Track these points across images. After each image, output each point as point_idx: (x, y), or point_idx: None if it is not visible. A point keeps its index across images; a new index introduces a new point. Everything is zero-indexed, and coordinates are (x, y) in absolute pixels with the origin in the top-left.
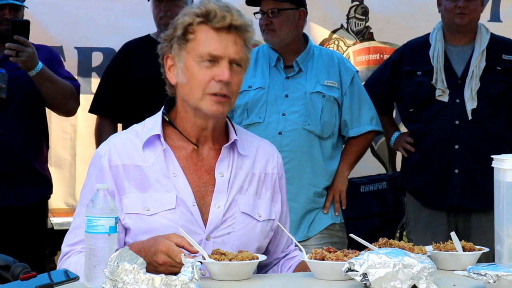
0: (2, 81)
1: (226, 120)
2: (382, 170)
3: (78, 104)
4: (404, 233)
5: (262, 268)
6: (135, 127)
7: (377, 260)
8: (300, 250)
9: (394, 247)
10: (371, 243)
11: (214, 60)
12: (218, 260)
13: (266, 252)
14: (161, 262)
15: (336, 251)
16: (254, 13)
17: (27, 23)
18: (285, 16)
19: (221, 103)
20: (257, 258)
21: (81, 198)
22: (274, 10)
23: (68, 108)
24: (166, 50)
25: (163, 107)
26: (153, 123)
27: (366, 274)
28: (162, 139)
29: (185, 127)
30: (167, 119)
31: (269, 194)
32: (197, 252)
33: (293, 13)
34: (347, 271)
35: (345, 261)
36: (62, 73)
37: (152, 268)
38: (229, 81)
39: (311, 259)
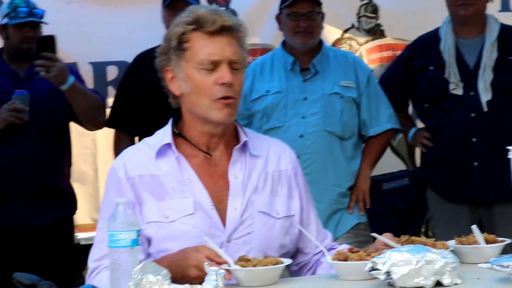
0: (25, 103)
1: (234, 123)
2: (402, 166)
3: (106, 116)
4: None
5: (303, 268)
6: (146, 139)
7: (399, 257)
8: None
9: (416, 243)
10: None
11: (213, 64)
12: (243, 267)
13: (298, 251)
14: (194, 276)
15: (359, 251)
16: (287, 15)
17: (52, 38)
18: (319, 19)
19: (229, 105)
20: (282, 262)
21: (102, 212)
22: (313, 12)
23: (99, 121)
24: (165, 64)
25: (171, 119)
26: (163, 134)
27: (389, 272)
28: (173, 147)
29: (193, 136)
30: (176, 131)
31: (286, 191)
32: (225, 263)
33: (321, 15)
34: (370, 271)
35: (367, 260)
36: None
37: (186, 282)
38: (231, 82)
39: (334, 260)
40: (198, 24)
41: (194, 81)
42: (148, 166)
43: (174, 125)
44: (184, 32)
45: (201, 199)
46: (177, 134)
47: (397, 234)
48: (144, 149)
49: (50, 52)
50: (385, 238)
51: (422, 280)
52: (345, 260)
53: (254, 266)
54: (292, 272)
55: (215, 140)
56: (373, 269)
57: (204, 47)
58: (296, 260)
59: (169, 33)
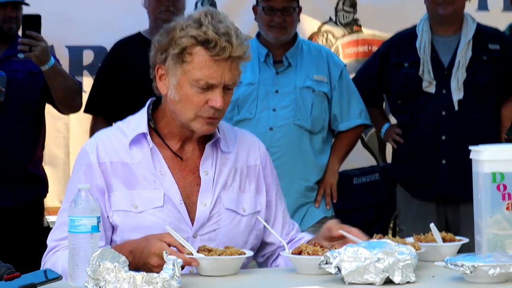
0: (1, 84)
1: None
2: (373, 162)
3: (82, 100)
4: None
5: (269, 259)
6: (119, 124)
7: (351, 253)
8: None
9: None
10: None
11: (209, 85)
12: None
13: (265, 242)
14: (155, 265)
15: (322, 246)
16: (263, 8)
17: (39, 17)
18: (294, 14)
19: (212, 124)
20: (244, 253)
21: (67, 194)
22: (289, 8)
23: (76, 105)
24: (160, 61)
25: (148, 107)
26: (138, 122)
27: (339, 267)
28: (148, 137)
29: (170, 131)
30: (152, 125)
31: (254, 187)
32: (189, 253)
33: (297, 10)
34: (322, 264)
35: (321, 255)
36: None
37: (148, 269)
38: (222, 106)
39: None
40: (206, 45)
41: (185, 94)
42: (121, 153)
43: (151, 117)
44: (189, 46)
45: (171, 193)
46: (152, 128)
47: (365, 229)
48: (118, 134)
49: (35, 31)
50: (352, 233)
51: (372, 276)
52: (299, 253)
53: (218, 255)
54: (258, 263)
55: (189, 138)
56: (326, 263)
57: (205, 68)
58: (262, 251)
59: (172, 33)
